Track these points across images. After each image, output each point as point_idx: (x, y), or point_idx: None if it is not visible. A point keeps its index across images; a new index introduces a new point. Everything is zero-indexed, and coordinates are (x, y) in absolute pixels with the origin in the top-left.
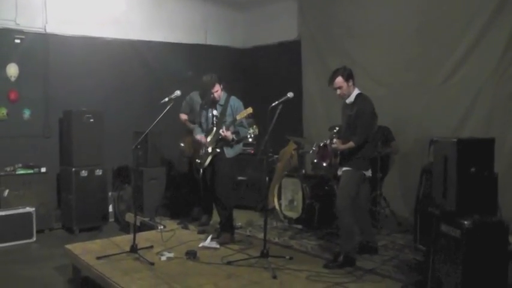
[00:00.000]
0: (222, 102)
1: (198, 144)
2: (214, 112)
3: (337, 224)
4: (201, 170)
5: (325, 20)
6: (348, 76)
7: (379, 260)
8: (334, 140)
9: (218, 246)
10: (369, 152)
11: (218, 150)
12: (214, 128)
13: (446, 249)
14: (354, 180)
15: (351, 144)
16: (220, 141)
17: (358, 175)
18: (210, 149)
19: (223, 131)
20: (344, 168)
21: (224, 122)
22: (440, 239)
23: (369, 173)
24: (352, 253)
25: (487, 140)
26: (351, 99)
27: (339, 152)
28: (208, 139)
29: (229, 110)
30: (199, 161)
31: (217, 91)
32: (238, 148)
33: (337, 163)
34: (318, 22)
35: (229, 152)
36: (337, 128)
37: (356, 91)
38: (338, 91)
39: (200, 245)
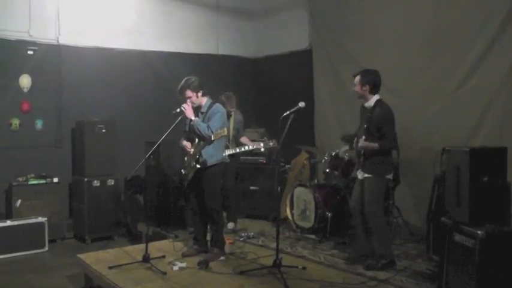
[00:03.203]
0: (204, 109)
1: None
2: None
3: (370, 227)
4: (186, 183)
5: (336, 29)
6: (366, 81)
7: (393, 270)
8: (362, 139)
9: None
10: (390, 158)
11: (198, 166)
12: (196, 139)
13: (460, 259)
14: (381, 186)
15: (375, 145)
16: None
17: (382, 180)
18: (192, 163)
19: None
20: (366, 175)
21: None
22: (454, 249)
23: (390, 177)
24: (390, 255)
25: (500, 149)
26: (370, 103)
27: (362, 152)
28: (191, 151)
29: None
30: (183, 172)
31: (190, 97)
32: (218, 154)
33: (361, 164)
34: (329, 31)
35: (211, 161)
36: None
37: (376, 97)
38: (354, 88)
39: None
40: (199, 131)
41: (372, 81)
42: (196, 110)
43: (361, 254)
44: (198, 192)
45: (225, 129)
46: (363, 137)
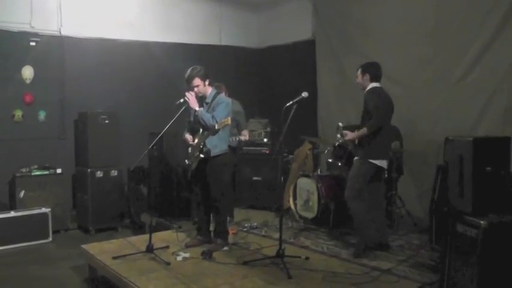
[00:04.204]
0: (208, 100)
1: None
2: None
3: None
4: (190, 172)
5: (339, 19)
6: (366, 71)
7: (395, 261)
8: (344, 132)
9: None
10: (380, 142)
11: (202, 156)
12: (201, 130)
13: (463, 249)
14: (361, 171)
15: (363, 130)
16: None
17: (367, 165)
18: (196, 153)
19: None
20: (355, 158)
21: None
22: (457, 239)
23: (383, 164)
24: (371, 241)
25: (503, 138)
26: (365, 90)
27: (356, 142)
28: (195, 141)
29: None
30: (187, 162)
31: (198, 86)
32: (223, 144)
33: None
34: (333, 21)
35: (215, 151)
36: (340, 124)
37: (373, 84)
38: (356, 80)
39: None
40: (203, 121)
41: (373, 71)
42: (201, 100)
43: (371, 245)
44: (202, 182)
45: (229, 118)
46: (344, 131)
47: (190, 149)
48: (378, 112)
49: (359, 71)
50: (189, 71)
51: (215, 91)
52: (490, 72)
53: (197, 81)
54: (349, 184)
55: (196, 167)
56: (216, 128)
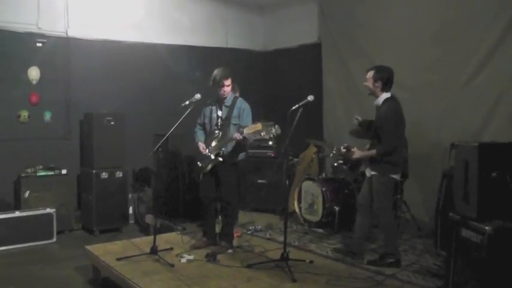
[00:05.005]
0: (228, 103)
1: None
2: (219, 113)
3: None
4: (201, 175)
5: (345, 22)
6: (380, 77)
7: (400, 265)
8: (354, 149)
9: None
10: (397, 157)
11: (221, 159)
12: (219, 132)
13: (467, 255)
14: (386, 186)
15: (372, 152)
16: (227, 151)
17: (388, 179)
18: (212, 156)
19: (238, 136)
20: (372, 173)
21: (234, 125)
22: (461, 245)
23: (398, 177)
24: (396, 255)
25: (509, 144)
26: (378, 101)
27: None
28: (213, 144)
29: (235, 112)
30: (200, 164)
31: (229, 85)
32: (240, 149)
33: (367, 162)
34: (339, 24)
35: (233, 156)
36: (356, 117)
37: (385, 95)
38: (365, 82)
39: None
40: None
41: (385, 78)
42: (218, 102)
43: (350, 250)
44: (214, 185)
45: (259, 124)
46: (355, 149)
47: (204, 152)
48: (388, 138)
49: (370, 74)
50: (220, 70)
51: (233, 94)
52: (496, 76)
53: (229, 81)
54: (381, 197)
55: (210, 169)
56: (246, 132)
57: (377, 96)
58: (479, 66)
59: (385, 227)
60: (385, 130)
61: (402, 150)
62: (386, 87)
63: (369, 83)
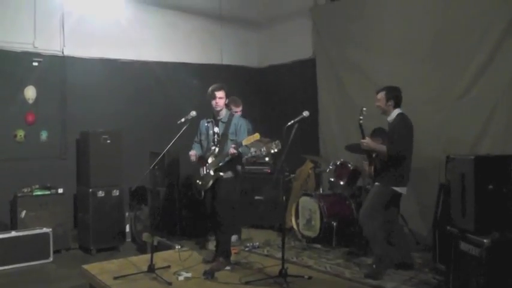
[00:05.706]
0: (224, 119)
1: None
2: (216, 130)
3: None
4: (203, 192)
5: (339, 38)
6: (392, 96)
7: (399, 280)
8: (366, 139)
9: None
10: (404, 169)
11: (221, 174)
12: (216, 148)
13: (466, 268)
14: (379, 195)
15: (383, 147)
16: (223, 164)
17: (387, 190)
18: (212, 172)
19: (233, 151)
20: (375, 183)
21: (231, 140)
22: (460, 258)
23: (403, 191)
24: (386, 255)
25: (505, 156)
26: (391, 117)
27: (373, 155)
28: (210, 160)
29: (232, 128)
30: (199, 182)
31: (221, 98)
32: (237, 164)
33: (371, 175)
34: (333, 40)
35: (229, 172)
36: (364, 108)
37: (398, 111)
38: (377, 103)
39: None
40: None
41: (396, 97)
42: (214, 118)
43: (403, 261)
44: (210, 201)
45: (257, 134)
46: (368, 139)
47: (202, 169)
48: (401, 140)
49: (382, 95)
50: (216, 84)
51: (229, 112)
52: (490, 89)
53: (223, 93)
54: (364, 206)
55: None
56: (245, 144)
57: (389, 114)
58: (473, 79)
59: (367, 235)
60: (398, 134)
61: (410, 164)
62: (397, 104)
63: (381, 103)
